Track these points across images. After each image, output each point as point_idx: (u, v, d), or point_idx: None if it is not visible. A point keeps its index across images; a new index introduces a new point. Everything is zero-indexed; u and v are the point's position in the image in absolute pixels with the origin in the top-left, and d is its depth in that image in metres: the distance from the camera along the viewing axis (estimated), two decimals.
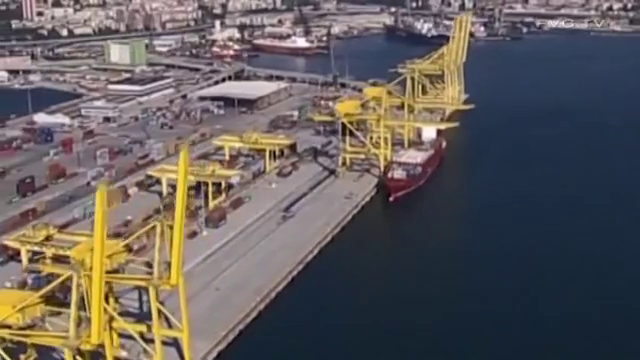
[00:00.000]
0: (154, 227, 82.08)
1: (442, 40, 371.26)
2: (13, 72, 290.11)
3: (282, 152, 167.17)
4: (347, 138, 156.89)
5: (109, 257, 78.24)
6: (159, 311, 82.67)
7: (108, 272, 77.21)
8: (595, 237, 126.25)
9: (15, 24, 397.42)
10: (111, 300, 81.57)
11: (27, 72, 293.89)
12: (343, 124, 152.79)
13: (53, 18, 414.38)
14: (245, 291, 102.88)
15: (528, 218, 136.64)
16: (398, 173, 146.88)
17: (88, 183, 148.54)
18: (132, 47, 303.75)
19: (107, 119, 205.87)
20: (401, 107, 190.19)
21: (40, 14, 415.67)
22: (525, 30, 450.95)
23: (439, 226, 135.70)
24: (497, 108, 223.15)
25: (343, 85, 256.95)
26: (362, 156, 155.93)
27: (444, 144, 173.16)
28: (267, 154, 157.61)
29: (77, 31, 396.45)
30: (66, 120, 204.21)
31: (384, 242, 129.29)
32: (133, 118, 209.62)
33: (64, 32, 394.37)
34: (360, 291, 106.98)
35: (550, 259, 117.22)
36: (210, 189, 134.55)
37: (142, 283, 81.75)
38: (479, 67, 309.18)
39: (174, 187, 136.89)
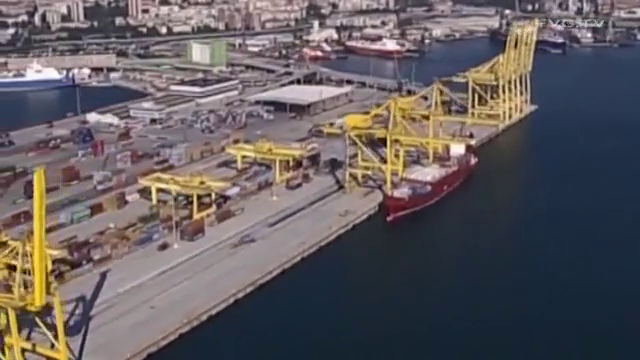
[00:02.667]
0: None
1: (545, 46, 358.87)
2: (96, 70, 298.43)
3: (300, 163, 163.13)
4: (359, 152, 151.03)
5: None
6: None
7: None
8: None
9: (119, 21, 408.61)
10: None
11: (112, 70, 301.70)
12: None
13: (157, 16, 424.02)
14: (178, 311, 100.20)
15: (543, 252, 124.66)
16: (399, 192, 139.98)
17: (94, 187, 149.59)
18: (212, 47, 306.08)
19: (153, 120, 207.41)
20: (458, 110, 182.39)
21: (145, 11, 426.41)
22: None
23: (435, 255, 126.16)
24: (568, 121, 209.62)
25: (409, 92, 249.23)
26: (369, 172, 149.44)
27: (473, 160, 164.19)
28: (277, 164, 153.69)
29: (176, 29, 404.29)
30: (115, 120, 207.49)
31: (363, 267, 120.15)
32: (180, 120, 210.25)
33: (163, 30, 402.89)
34: (305, 325, 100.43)
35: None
36: (195, 200, 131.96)
37: (1, 303, 79.59)
38: (567, 75, 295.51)
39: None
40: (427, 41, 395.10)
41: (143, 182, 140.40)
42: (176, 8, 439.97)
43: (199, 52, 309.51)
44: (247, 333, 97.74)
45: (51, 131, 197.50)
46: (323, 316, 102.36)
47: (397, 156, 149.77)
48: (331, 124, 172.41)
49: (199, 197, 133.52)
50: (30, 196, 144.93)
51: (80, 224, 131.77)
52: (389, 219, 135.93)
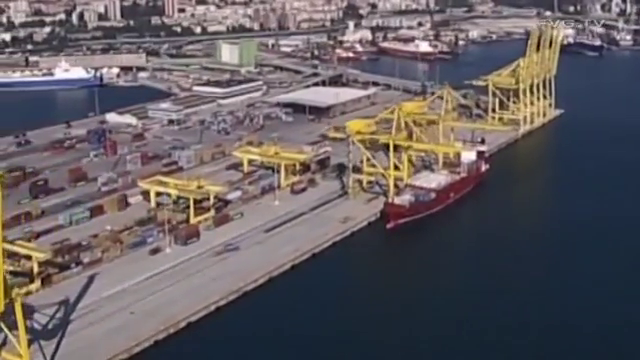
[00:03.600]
0: None
1: (582, 49, 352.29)
2: (125, 69, 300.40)
3: (308, 167, 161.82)
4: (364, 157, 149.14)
5: None
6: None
7: None
8: None
9: (154, 20, 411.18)
10: None
11: (141, 69, 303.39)
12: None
13: (193, 16, 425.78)
14: (157, 317, 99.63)
15: (546, 264, 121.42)
16: (400, 198, 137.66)
17: (98, 189, 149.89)
18: (241, 47, 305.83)
19: (171, 121, 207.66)
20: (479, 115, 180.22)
21: (181, 11, 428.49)
22: None
23: (433, 266, 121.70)
24: (595, 127, 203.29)
25: (433, 95, 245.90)
26: (372, 177, 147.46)
27: (484, 167, 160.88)
28: (282, 168, 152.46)
29: (211, 29, 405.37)
30: (133, 121, 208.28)
31: (354, 277, 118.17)
32: (199, 122, 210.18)
33: (197, 30, 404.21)
34: (285, 335, 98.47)
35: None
36: (192, 204, 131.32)
37: None
38: (601, 79, 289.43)
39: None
40: (462, 42, 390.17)
41: (142, 185, 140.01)
42: (212, 7, 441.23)
43: (228, 52, 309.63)
44: (224, 341, 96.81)
45: (69, 131, 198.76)
46: (305, 326, 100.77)
47: (410, 161, 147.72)
48: (336, 128, 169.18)
49: (197, 201, 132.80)
50: (35, 196, 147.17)
51: (78, 226, 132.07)
52: (389, 226, 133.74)
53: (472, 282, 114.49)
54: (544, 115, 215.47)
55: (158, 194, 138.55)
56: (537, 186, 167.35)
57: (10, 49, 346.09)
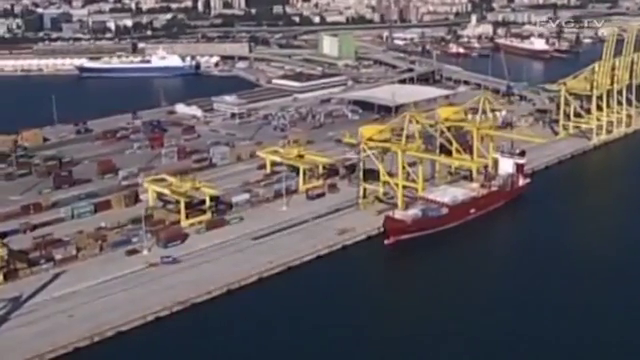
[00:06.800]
0: None
1: None
2: (227, 58, 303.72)
3: (337, 171, 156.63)
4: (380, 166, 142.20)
5: None
6: None
7: None
8: None
9: (276, 9, 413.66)
10: None
11: (243, 59, 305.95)
12: None
13: (316, 5, 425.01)
14: (90, 323, 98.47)
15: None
16: (401, 213, 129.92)
17: (119, 183, 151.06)
18: (340, 40, 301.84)
19: (233, 115, 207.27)
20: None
21: (306, 0, 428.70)
22: None
23: (425, 296, 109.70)
24: None
25: (521, 97, 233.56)
26: (378, 188, 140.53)
27: (522, 181, 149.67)
28: (301, 172, 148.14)
29: (329, 19, 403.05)
30: (198, 112, 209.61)
31: (322, 299, 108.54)
32: (263, 116, 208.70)
33: (316, 19, 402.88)
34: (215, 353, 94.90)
35: None
36: (182, 206, 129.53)
37: None
38: None
39: (162, 200, 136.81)
40: (588, 41, 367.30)
41: (145, 183, 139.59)
42: None
43: (329, 45, 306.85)
44: (144, 355, 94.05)
45: (133, 121, 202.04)
46: (242, 347, 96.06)
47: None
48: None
49: (191, 203, 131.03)
50: (58, 187, 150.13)
51: (80, 220, 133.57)
52: (387, 242, 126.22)
53: (458, 325, 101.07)
54: (628, 125, 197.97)
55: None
56: (589, 205, 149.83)
57: (127, 36, 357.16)
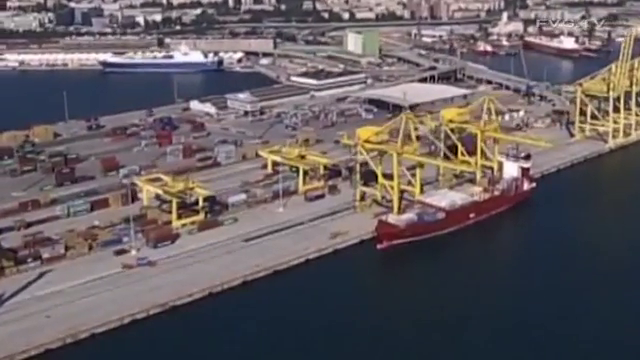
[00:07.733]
0: None
1: None
2: (251, 54, 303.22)
3: (339, 172, 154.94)
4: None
5: None
6: None
7: None
8: None
9: (306, 5, 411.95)
10: None
11: (267, 55, 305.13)
12: None
13: (346, 2, 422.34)
14: (66, 324, 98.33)
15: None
16: (395, 217, 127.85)
17: (120, 181, 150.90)
18: (364, 37, 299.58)
19: (246, 113, 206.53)
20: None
21: None
22: None
23: (413, 306, 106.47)
24: None
25: (542, 97, 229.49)
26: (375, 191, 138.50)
27: (527, 186, 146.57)
28: (301, 172, 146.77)
29: (359, 15, 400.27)
30: (212, 110, 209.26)
31: (305, 304, 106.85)
32: (276, 114, 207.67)
33: (345, 16, 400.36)
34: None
35: None
36: (174, 206, 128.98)
37: None
38: None
39: (159, 199, 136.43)
40: (619, 39, 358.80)
41: (138, 182, 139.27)
42: None
43: (353, 41, 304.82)
44: (118, 357, 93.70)
45: (146, 117, 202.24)
46: (217, 351, 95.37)
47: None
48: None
49: (183, 204, 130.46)
50: (60, 184, 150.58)
51: (75, 218, 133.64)
52: (379, 247, 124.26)
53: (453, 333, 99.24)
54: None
55: None
56: (597, 211, 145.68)
57: (156, 30, 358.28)
